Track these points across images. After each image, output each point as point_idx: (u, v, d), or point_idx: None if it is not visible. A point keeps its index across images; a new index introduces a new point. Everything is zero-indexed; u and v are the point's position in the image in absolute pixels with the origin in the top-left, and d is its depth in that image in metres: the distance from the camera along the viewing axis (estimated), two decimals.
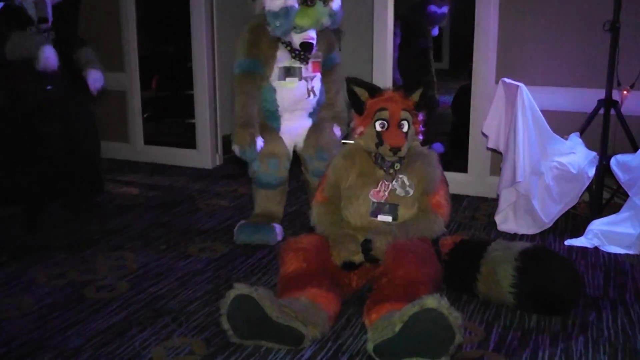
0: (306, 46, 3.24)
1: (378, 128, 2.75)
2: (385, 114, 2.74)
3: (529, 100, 3.43)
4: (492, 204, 4.00)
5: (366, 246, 2.64)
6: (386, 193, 2.78)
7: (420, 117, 2.83)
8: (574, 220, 3.75)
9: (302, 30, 3.21)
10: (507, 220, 3.61)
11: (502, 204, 3.61)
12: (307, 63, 3.39)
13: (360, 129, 2.83)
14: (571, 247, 3.37)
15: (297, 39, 3.24)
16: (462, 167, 4.33)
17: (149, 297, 2.85)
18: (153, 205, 4.22)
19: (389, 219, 2.77)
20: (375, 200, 2.77)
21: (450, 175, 4.28)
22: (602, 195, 3.68)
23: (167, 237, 3.60)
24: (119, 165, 5.35)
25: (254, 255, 3.31)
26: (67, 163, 3.85)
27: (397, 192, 2.77)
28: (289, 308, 2.35)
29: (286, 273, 2.61)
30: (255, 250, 3.37)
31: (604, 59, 3.66)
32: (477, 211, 4.00)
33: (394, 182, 2.77)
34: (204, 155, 5.20)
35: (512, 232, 3.57)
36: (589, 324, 2.55)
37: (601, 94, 3.65)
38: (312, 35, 3.23)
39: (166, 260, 3.26)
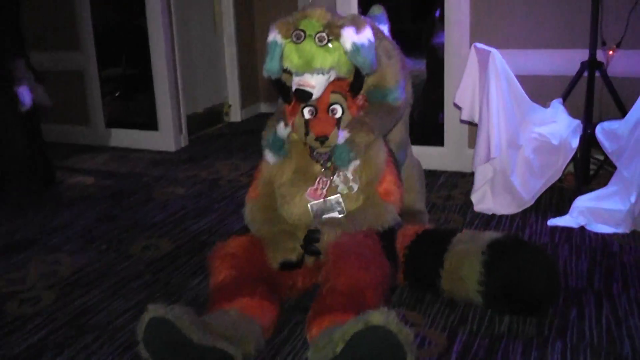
0: (299, 94, 2.30)
1: (307, 115, 2.40)
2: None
3: (503, 66, 3.05)
4: (470, 179, 3.63)
5: (312, 236, 2.31)
6: (324, 191, 2.43)
7: (360, 100, 2.46)
8: (560, 194, 3.40)
9: (297, 73, 2.30)
10: (484, 200, 3.27)
11: (478, 182, 3.26)
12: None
13: (291, 120, 2.48)
14: (554, 228, 3.02)
15: (294, 84, 2.33)
16: (438, 140, 3.97)
17: (75, 310, 2.53)
18: (105, 197, 3.89)
19: (336, 214, 2.44)
20: (314, 201, 2.42)
21: (425, 150, 3.97)
22: (589, 167, 3.33)
23: (111, 234, 3.28)
24: (80, 150, 5.02)
25: (200, 253, 2.98)
26: None
27: (339, 189, 2.43)
28: (215, 325, 2.02)
29: (215, 283, 2.29)
30: (202, 247, 3.05)
31: (586, 16, 3.27)
32: (453, 189, 3.65)
33: (334, 178, 2.42)
34: (166, 137, 4.85)
35: (490, 213, 3.23)
36: (569, 325, 2.21)
37: (584, 55, 3.27)
38: (308, 81, 2.28)
39: (103, 263, 2.94)
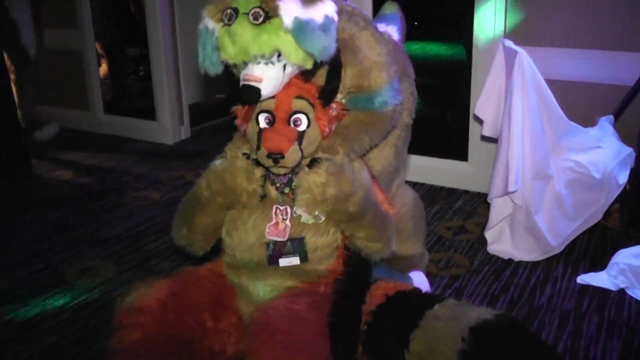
0: (245, 92, 1.72)
1: (262, 124, 1.81)
2: (271, 103, 1.79)
3: (532, 72, 2.37)
4: None
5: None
6: (287, 222, 1.85)
7: (333, 110, 1.85)
8: (602, 238, 2.70)
9: (240, 65, 1.73)
10: (500, 239, 2.61)
11: (494, 217, 2.59)
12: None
13: (243, 127, 1.89)
14: (585, 288, 2.34)
15: (240, 81, 1.76)
16: (461, 153, 3.31)
17: None
18: (73, 198, 3.42)
19: (295, 260, 1.85)
20: (272, 239, 1.84)
21: (445, 163, 3.33)
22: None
23: (56, 249, 2.81)
24: (74, 137, 4.58)
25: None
26: None
27: (302, 219, 1.83)
28: None
29: (113, 345, 1.75)
30: (145, 275, 2.52)
31: None
32: (470, 217, 2.98)
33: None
34: (163, 128, 4.34)
35: (507, 257, 2.57)
36: None
37: None
38: (253, 74, 1.70)
39: (28, 290, 2.48)
